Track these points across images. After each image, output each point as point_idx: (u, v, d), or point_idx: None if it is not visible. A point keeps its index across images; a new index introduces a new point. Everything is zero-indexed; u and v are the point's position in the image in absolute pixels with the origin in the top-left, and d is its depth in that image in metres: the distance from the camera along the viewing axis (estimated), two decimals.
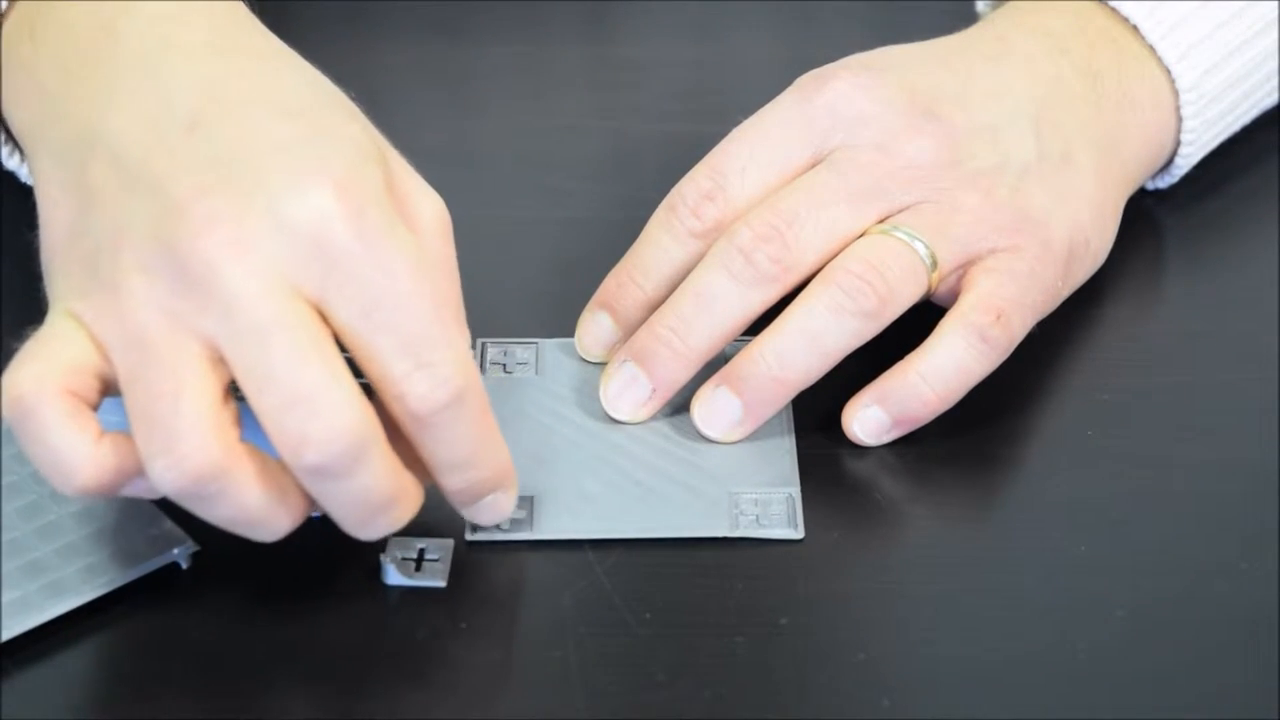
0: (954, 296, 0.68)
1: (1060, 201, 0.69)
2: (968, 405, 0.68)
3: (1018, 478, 0.67)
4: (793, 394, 0.66)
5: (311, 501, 0.58)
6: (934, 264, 0.67)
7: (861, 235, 0.67)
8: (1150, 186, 0.77)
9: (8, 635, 0.59)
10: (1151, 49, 0.74)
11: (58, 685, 0.60)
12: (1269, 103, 0.78)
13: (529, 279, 0.74)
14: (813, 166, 0.68)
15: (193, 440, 0.56)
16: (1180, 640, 0.61)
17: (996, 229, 0.68)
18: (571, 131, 0.82)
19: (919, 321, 0.67)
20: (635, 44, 0.87)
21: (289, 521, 0.58)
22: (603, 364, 0.69)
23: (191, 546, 0.62)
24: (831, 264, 0.66)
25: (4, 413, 0.57)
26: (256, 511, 0.57)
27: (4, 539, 0.62)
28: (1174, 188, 0.77)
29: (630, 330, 0.68)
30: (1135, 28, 0.74)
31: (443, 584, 0.62)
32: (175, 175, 0.57)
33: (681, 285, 0.67)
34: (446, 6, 0.88)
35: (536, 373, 0.70)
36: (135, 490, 0.58)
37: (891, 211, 0.68)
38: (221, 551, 0.63)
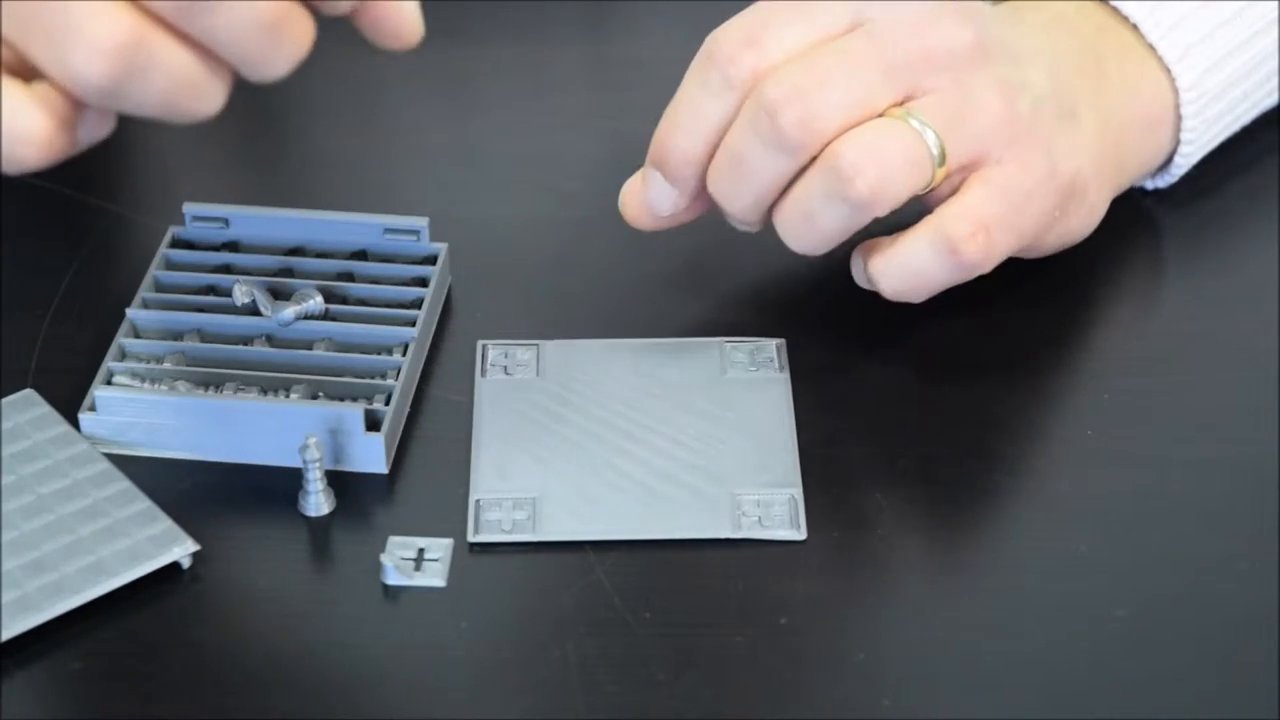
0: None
1: (1069, 142, 0.69)
2: (968, 405, 0.68)
3: (1018, 478, 0.67)
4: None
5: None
6: (941, 158, 0.66)
7: (880, 115, 0.66)
8: (1150, 186, 0.77)
9: (8, 635, 0.60)
10: (1151, 48, 0.74)
11: (58, 685, 0.60)
12: (1269, 103, 0.78)
13: (529, 279, 0.74)
14: (850, 32, 0.67)
15: (100, 18, 0.53)
16: (1180, 640, 0.61)
17: (1009, 139, 0.67)
18: (571, 131, 0.82)
19: None
20: (635, 44, 0.87)
21: (226, 78, 0.55)
22: (603, 363, 0.69)
23: (191, 546, 0.62)
24: (833, 146, 0.65)
25: None
26: (190, 73, 0.54)
27: (4, 539, 0.62)
28: (1174, 188, 0.77)
29: (688, 191, 0.69)
30: (1135, 27, 0.74)
31: (443, 584, 0.62)
32: None
33: (720, 148, 0.67)
34: (446, 6, 0.87)
35: (538, 374, 0.70)
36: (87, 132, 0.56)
37: (917, 92, 0.67)
38: (221, 551, 0.63)
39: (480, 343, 0.71)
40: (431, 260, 0.72)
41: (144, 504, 0.63)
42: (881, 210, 0.65)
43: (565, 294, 0.73)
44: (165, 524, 0.62)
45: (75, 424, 0.66)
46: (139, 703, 0.59)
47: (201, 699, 0.59)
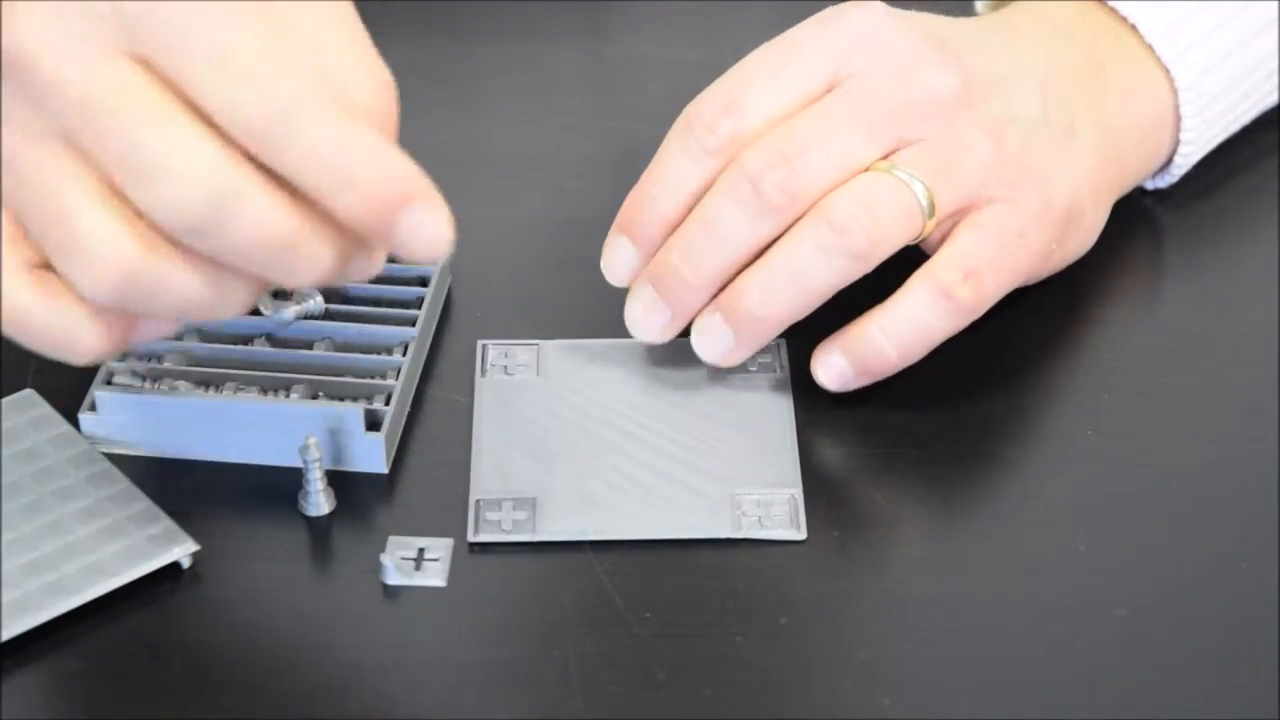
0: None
1: (1063, 166, 0.69)
2: (969, 406, 0.68)
3: (1018, 478, 0.67)
4: (778, 329, 0.67)
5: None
6: (931, 208, 0.66)
7: (866, 170, 0.67)
8: (1150, 186, 0.77)
9: (8, 635, 0.59)
10: (1150, 48, 0.74)
11: (58, 685, 0.60)
12: (1269, 102, 0.78)
13: (529, 279, 0.74)
14: (830, 90, 0.68)
15: (102, 247, 0.53)
16: (1180, 640, 0.61)
17: (1000, 179, 0.67)
18: (571, 131, 0.82)
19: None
20: (635, 44, 0.87)
21: (246, 291, 0.55)
22: (603, 363, 0.70)
23: (192, 546, 0.62)
24: (823, 201, 0.66)
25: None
26: (202, 293, 0.55)
27: (4, 539, 0.62)
28: (1174, 188, 0.77)
29: (651, 252, 0.68)
30: (1134, 27, 0.74)
31: (443, 584, 0.62)
32: None
33: (693, 212, 0.67)
34: (446, 6, 0.88)
35: (537, 374, 0.70)
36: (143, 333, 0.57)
37: (901, 144, 0.67)
38: (221, 551, 0.63)
39: (480, 342, 0.71)
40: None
41: (144, 504, 0.63)
42: (876, 261, 0.66)
43: (565, 294, 0.73)
44: (165, 524, 0.62)
45: (75, 424, 0.66)
46: (139, 703, 0.59)
47: (201, 699, 0.59)
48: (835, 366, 0.67)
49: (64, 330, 0.56)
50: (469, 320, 0.72)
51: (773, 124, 0.67)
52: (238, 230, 0.53)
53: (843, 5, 0.69)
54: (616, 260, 0.69)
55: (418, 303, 0.71)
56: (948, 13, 0.76)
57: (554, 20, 0.88)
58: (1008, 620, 0.62)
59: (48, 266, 0.55)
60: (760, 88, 0.67)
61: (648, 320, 0.68)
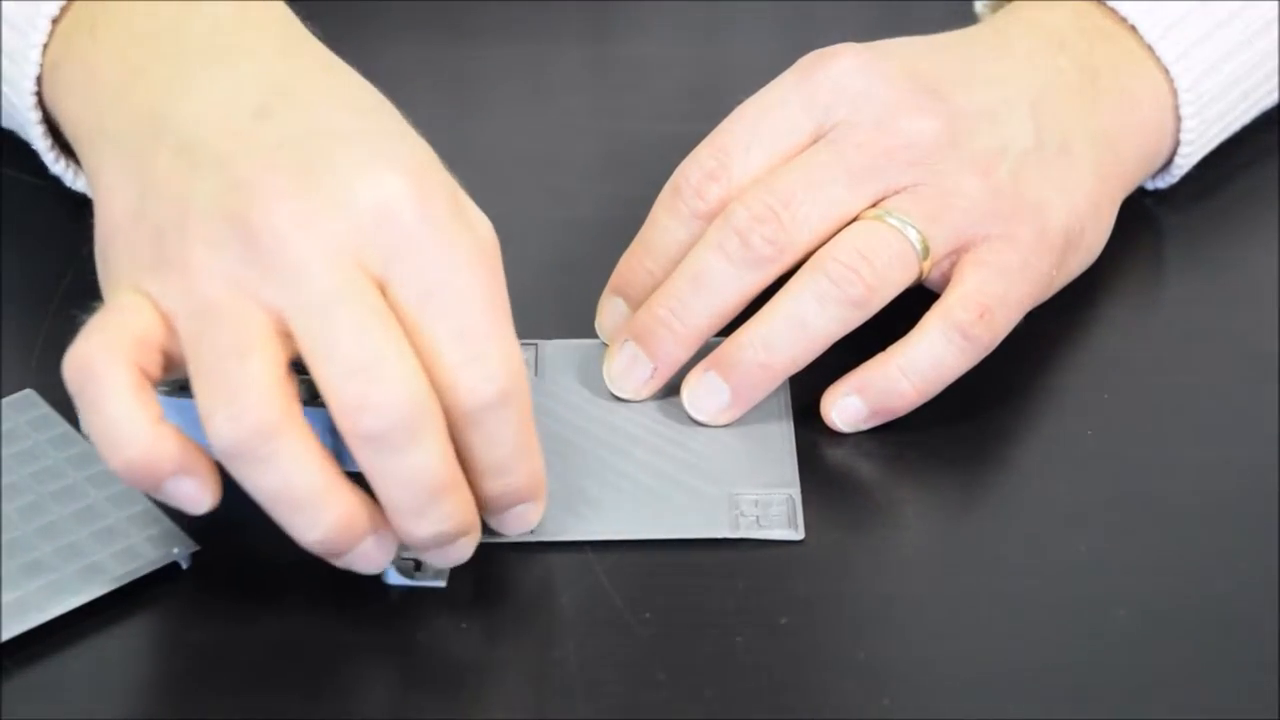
0: (947, 281, 0.68)
1: (1057, 189, 0.69)
2: (968, 405, 0.68)
3: (1018, 478, 0.67)
4: (779, 380, 0.67)
5: (363, 517, 0.58)
6: (925, 251, 0.67)
7: (856, 218, 0.67)
8: (1150, 186, 0.77)
9: (8, 635, 0.59)
10: (1150, 48, 0.74)
11: (58, 685, 0.60)
12: (1269, 102, 0.78)
13: (529, 279, 0.74)
14: (815, 143, 0.68)
15: (254, 395, 0.56)
16: (1180, 640, 0.61)
17: (993, 215, 0.68)
18: (571, 131, 0.82)
19: (914, 306, 0.67)
20: (635, 44, 0.87)
21: (337, 512, 0.57)
22: (601, 363, 0.69)
23: (191, 546, 0.62)
24: (820, 251, 0.66)
25: (69, 376, 0.57)
26: (306, 488, 0.57)
27: (4, 539, 0.62)
28: (1174, 188, 0.77)
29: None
30: (1133, 27, 0.74)
31: (443, 584, 0.62)
32: (243, 154, 0.57)
33: (680, 266, 0.67)
34: (446, 6, 0.88)
35: (536, 374, 0.70)
36: (179, 491, 0.58)
37: (889, 191, 0.67)
38: (221, 552, 0.63)
39: None
40: None
41: (143, 504, 0.63)
42: (875, 308, 0.66)
43: (565, 294, 0.73)
44: (165, 524, 0.62)
45: (75, 424, 0.66)
46: (139, 703, 0.59)
47: (201, 699, 0.59)
48: (850, 408, 0.67)
49: (127, 416, 0.57)
50: None
51: (758, 183, 0.67)
52: (409, 457, 0.57)
53: (824, 52, 0.69)
54: (611, 319, 0.70)
55: None
56: (951, 13, 0.76)
57: (555, 20, 0.87)
58: (1008, 620, 0.62)
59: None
60: (746, 149, 0.68)
61: (628, 375, 0.68)
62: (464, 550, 0.60)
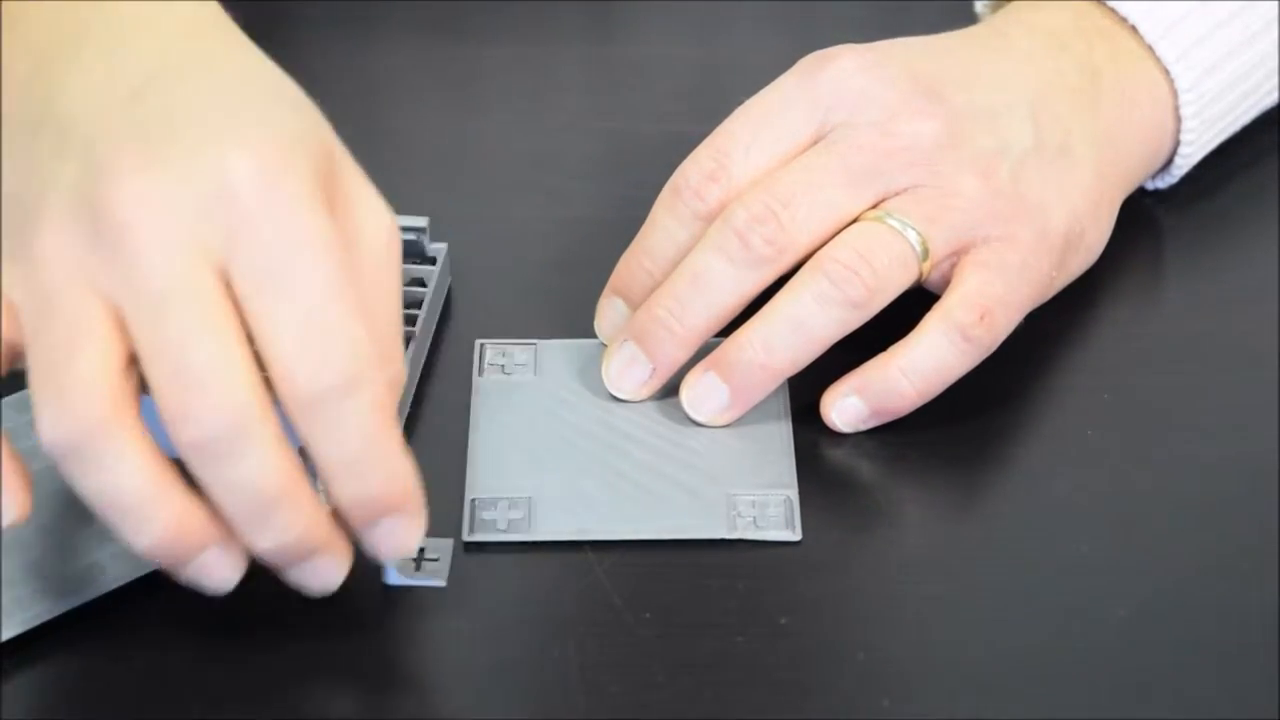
0: (946, 283, 0.68)
1: (1057, 190, 0.69)
2: (968, 405, 0.68)
3: (1018, 477, 0.67)
4: (779, 381, 0.67)
5: (214, 530, 0.56)
6: (925, 253, 0.67)
7: (856, 219, 0.67)
8: (1150, 186, 0.77)
9: (8, 635, 0.59)
10: (1150, 49, 0.74)
11: (58, 685, 0.60)
12: (1269, 103, 0.78)
13: (529, 279, 0.74)
14: (815, 144, 0.68)
15: (80, 393, 0.54)
16: (1180, 640, 0.61)
17: (993, 216, 0.68)
18: (571, 131, 0.82)
19: (913, 307, 0.67)
20: (635, 44, 0.87)
21: (166, 518, 0.55)
22: (600, 363, 0.69)
23: None
24: (820, 253, 0.66)
25: None
26: (134, 493, 0.55)
27: (4, 539, 0.62)
28: (1174, 188, 0.77)
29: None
30: (1134, 27, 0.74)
31: (443, 584, 0.62)
32: (105, 137, 0.56)
33: (679, 266, 0.67)
34: (446, 6, 0.88)
35: (535, 374, 0.70)
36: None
37: (889, 193, 0.68)
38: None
39: (478, 342, 0.71)
40: (431, 260, 0.72)
41: None
42: (875, 309, 0.66)
43: (564, 294, 0.73)
44: None
45: None
46: (139, 703, 0.59)
47: (201, 699, 0.59)
48: (850, 408, 0.67)
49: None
50: (469, 320, 0.72)
51: (758, 184, 0.67)
52: (234, 469, 0.55)
53: (824, 54, 0.69)
54: (610, 320, 0.70)
55: (417, 303, 0.71)
56: (951, 13, 0.76)
57: (555, 20, 0.88)
58: (1008, 620, 0.62)
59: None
60: (745, 150, 0.68)
61: (626, 375, 0.68)
62: (327, 572, 0.58)
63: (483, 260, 0.75)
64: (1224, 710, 0.59)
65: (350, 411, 0.55)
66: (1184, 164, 0.76)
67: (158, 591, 0.62)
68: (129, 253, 0.54)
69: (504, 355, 0.70)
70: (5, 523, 0.57)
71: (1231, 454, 0.67)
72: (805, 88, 0.69)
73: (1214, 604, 0.62)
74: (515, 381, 0.69)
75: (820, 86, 0.68)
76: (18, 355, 0.56)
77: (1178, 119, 0.74)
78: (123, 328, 0.55)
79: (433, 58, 0.86)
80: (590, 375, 0.69)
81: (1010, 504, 0.66)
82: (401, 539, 0.58)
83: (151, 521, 0.55)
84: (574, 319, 0.71)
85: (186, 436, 0.54)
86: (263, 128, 0.56)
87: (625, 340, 0.68)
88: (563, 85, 0.85)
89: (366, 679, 0.60)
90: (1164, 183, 0.77)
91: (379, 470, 0.56)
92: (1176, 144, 0.75)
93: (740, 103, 0.70)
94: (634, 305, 0.69)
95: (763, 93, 0.69)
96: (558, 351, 0.70)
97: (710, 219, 0.67)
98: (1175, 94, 0.74)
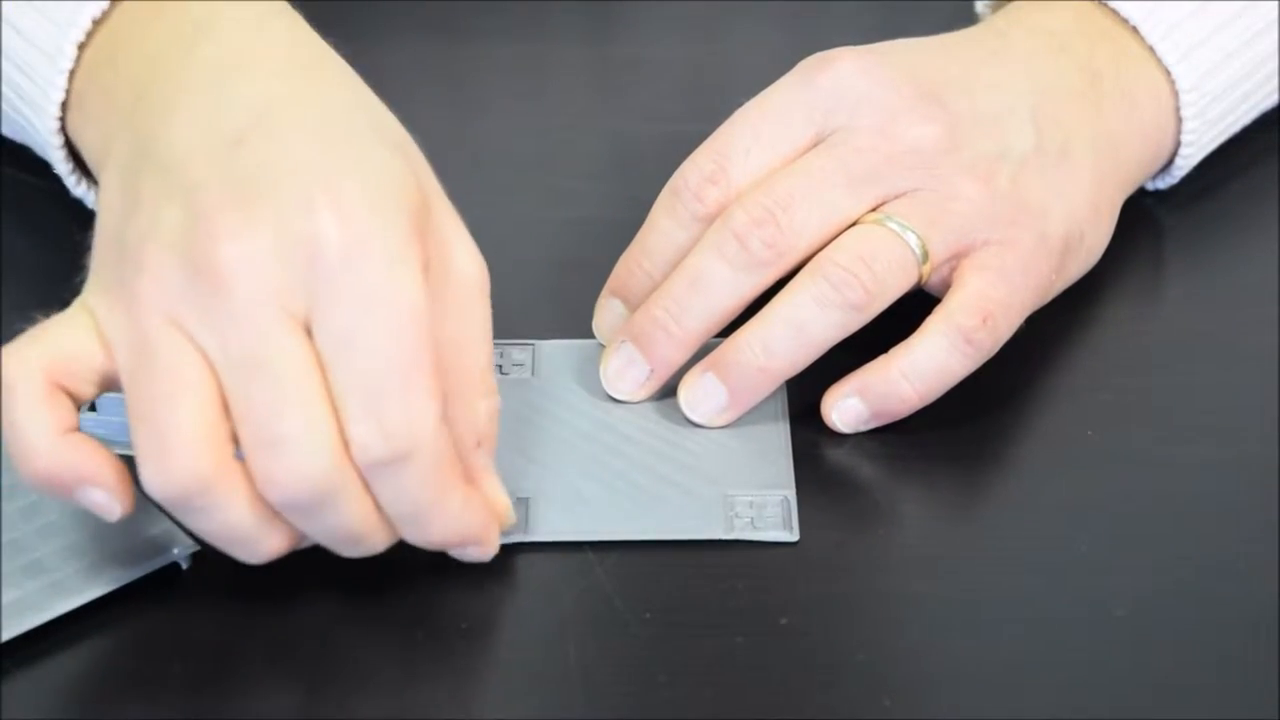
0: (946, 286, 0.68)
1: (1057, 194, 0.69)
2: (968, 405, 0.68)
3: (1018, 478, 0.67)
4: (777, 383, 0.67)
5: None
6: (925, 256, 0.67)
7: (856, 223, 0.67)
8: (1150, 187, 0.77)
9: (8, 635, 0.59)
10: (1151, 50, 0.74)
11: (58, 685, 0.60)
12: (1269, 103, 0.78)
13: (529, 279, 0.74)
14: (815, 147, 0.68)
15: (184, 451, 0.56)
16: (1180, 640, 0.61)
17: (993, 220, 0.68)
18: (571, 131, 0.82)
19: (913, 309, 0.67)
20: (635, 44, 0.87)
21: (276, 545, 0.59)
22: (599, 363, 0.69)
23: (191, 546, 0.62)
24: (820, 255, 0.66)
25: None
26: (242, 530, 0.58)
27: (4, 539, 0.62)
28: (1174, 188, 0.77)
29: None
30: (1135, 28, 0.74)
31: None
32: (209, 186, 0.57)
33: (678, 268, 0.67)
34: (446, 6, 0.88)
35: (533, 374, 0.70)
36: (88, 500, 0.58)
37: (889, 196, 0.68)
38: (221, 552, 0.63)
39: None
40: None
41: (143, 505, 0.63)
42: (875, 312, 0.66)
43: (562, 294, 0.73)
44: (165, 524, 0.62)
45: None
46: (139, 703, 0.59)
47: (201, 699, 0.59)
48: (851, 410, 0.67)
49: (30, 430, 0.57)
50: None
51: (757, 186, 0.67)
52: (323, 520, 0.58)
53: (824, 56, 0.69)
54: (608, 321, 0.70)
55: None
56: (951, 13, 0.76)
57: (554, 20, 0.88)
58: (1008, 620, 0.62)
59: None
60: (745, 153, 0.68)
61: (624, 376, 0.68)
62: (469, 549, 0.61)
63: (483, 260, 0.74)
64: (1224, 710, 0.59)
65: (405, 477, 0.57)
66: (1185, 165, 0.76)
67: (158, 592, 0.62)
68: (224, 310, 0.56)
69: (502, 355, 0.70)
70: (113, 518, 0.59)
71: (1231, 454, 0.67)
72: (805, 90, 0.69)
73: (1214, 604, 0.62)
74: (513, 381, 0.69)
75: (820, 89, 0.68)
76: (111, 386, 0.58)
77: (1178, 120, 0.74)
78: (215, 373, 0.56)
79: (432, 58, 0.86)
80: (588, 376, 0.69)
81: (1010, 504, 0.66)
82: (479, 556, 0.61)
83: (260, 545, 0.59)
84: (573, 319, 0.71)
85: (273, 498, 0.57)
86: (358, 177, 0.57)
87: (623, 341, 0.68)
88: (563, 85, 0.85)
89: (366, 679, 0.60)
90: (1165, 183, 0.77)
91: (436, 524, 0.59)
92: (1177, 145, 0.75)
93: (740, 103, 0.70)
94: (632, 306, 0.69)
95: (762, 95, 0.69)
96: (556, 352, 0.70)
97: (709, 221, 0.67)
98: (1176, 95, 0.74)
